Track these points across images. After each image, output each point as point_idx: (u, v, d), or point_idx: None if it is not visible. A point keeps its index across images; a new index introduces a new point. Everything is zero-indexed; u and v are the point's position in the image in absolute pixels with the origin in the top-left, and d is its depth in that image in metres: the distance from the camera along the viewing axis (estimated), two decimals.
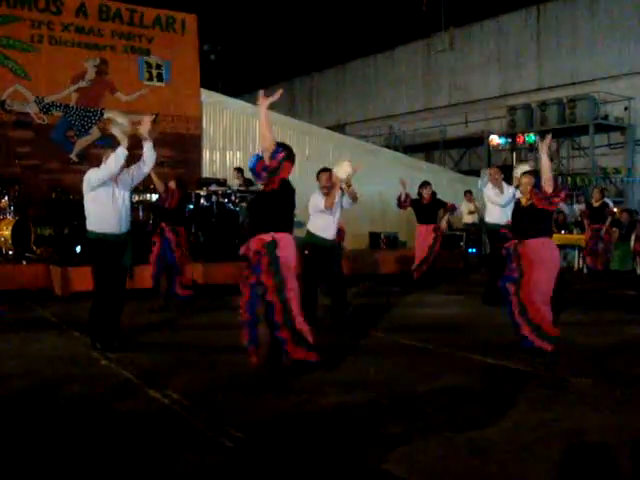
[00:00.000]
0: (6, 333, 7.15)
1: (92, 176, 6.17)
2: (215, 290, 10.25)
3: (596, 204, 13.12)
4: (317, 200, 7.44)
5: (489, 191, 9.51)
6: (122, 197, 6.32)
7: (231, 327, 7.64)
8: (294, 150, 5.28)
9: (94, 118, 13.81)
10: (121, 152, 5.99)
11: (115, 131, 6.05)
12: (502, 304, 6.33)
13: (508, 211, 7.64)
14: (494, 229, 9.29)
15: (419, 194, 11.17)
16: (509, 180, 10.34)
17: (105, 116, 6.46)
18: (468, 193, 15.61)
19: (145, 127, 6.17)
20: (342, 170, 7.34)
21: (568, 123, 20.85)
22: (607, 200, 13.90)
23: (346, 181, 7.54)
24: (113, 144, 6.25)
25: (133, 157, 6.31)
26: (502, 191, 9.32)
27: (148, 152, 6.33)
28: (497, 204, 9.35)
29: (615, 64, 20.64)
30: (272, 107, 5.06)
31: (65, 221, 10.88)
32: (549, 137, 6.29)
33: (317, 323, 7.64)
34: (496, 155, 22.94)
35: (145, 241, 9.54)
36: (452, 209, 11.56)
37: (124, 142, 6.01)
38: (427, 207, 11.13)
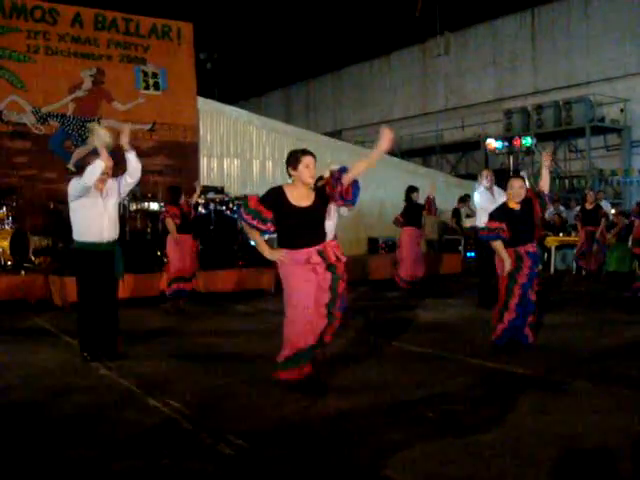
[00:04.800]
0: (5, 344, 7.15)
1: (72, 187, 6.14)
2: (214, 297, 10.26)
3: (590, 207, 13.15)
4: None
5: (482, 196, 9.28)
6: (106, 206, 6.23)
7: (230, 334, 7.69)
8: (290, 157, 5.24)
9: None
10: (98, 164, 5.92)
11: (97, 143, 6.03)
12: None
13: None
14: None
15: (409, 199, 11.26)
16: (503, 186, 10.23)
17: (89, 125, 6.35)
18: (466, 197, 15.67)
19: (125, 137, 6.11)
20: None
21: (564, 126, 20.91)
22: (602, 202, 13.95)
23: None
24: (109, 153, 6.25)
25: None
26: (493, 196, 9.18)
27: (132, 162, 6.24)
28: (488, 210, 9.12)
29: (610, 66, 20.70)
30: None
31: (63, 231, 10.89)
32: (549, 155, 6.49)
33: None
34: (493, 159, 22.98)
35: (146, 249, 9.57)
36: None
37: (103, 155, 5.95)
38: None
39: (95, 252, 6.20)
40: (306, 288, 4.92)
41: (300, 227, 5.00)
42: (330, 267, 5.00)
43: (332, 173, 5.04)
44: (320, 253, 4.98)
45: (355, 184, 4.99)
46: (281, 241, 5.08)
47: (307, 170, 5.04)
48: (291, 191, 5.06)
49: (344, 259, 5.12)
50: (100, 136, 6.02)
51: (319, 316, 4.95)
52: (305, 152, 5.12)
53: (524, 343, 6.46)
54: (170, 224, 9.05)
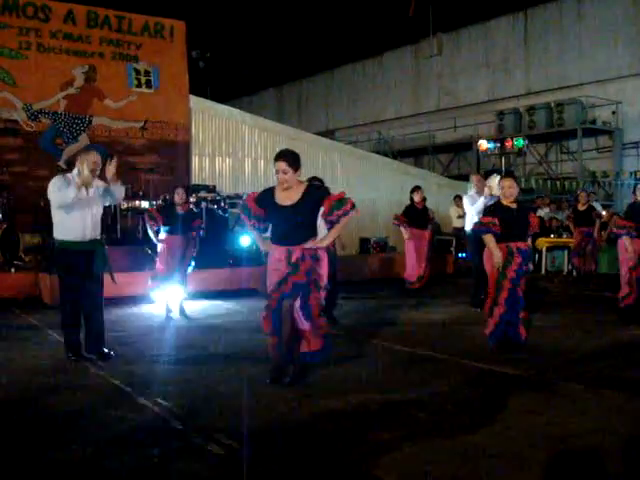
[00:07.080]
0: None
1: (52, 193, 6.07)
2: (205, 296, 10.24)
3: (582, 207, 13.18)
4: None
5: (470, 200, 9.52)
6: (90, 205, 6.11)
7: (221, 333, 7.67)
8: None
9: (82, 125, 13.76)
10: (71, 191, 5.91)
11: (84, 166, 5.97)
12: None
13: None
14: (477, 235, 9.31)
15: (411, 199, 11.24)
16: None
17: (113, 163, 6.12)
18: (457, 198, 15.71)
19: (112, 169, 6.03)
20: None
21: (556, 127, 20.98)
22: (593, 203, 13.98)
23: None
24: (103, 151, 6.21)
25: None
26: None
27: (116, 192, 6.21)
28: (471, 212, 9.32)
29: (602, 68, 20.78)
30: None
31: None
32: None
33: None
34: (485, 160, 23.02)
35: (137, 247, 9.46)
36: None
37: (83, 176, 5.95)
38: (420, 212, 11.22)
39: (76, 251, 6.07)
40: (273, 277, 5.20)
41: (279, 225, 5.23)
42: (292, 265, 5.12)
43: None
44: (288, 252, 5.14)
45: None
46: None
47: (278, 175, 5.17)
48: (279, 190, 5.23)
49: (323, 257, 5.24)
50: (87, 161, 5.96)
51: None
52: (277, 157, 5.21)
53: (519, 342, 6.47)
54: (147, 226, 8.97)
